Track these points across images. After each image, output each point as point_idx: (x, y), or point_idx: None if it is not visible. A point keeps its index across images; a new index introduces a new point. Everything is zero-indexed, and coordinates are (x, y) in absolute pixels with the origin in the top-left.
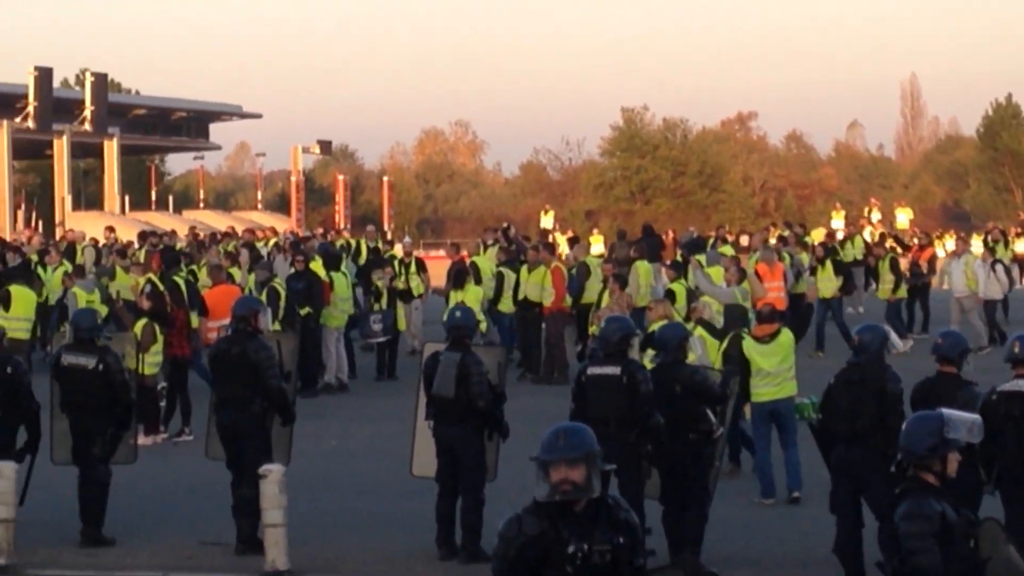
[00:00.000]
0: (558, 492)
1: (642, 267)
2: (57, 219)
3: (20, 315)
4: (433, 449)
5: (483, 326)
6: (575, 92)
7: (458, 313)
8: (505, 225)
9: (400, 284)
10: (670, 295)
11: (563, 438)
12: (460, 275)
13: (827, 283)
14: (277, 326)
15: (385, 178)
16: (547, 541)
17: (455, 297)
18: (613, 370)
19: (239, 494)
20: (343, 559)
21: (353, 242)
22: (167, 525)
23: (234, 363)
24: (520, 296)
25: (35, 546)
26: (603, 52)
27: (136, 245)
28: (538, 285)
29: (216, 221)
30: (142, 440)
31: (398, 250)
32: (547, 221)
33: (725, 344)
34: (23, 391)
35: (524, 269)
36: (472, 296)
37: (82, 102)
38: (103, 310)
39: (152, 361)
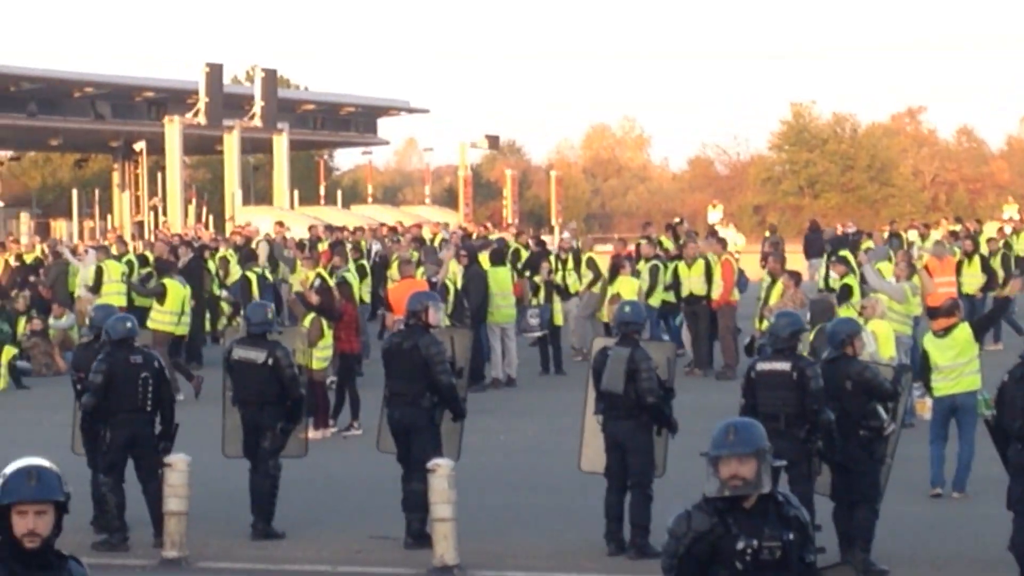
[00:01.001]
0: (728, 487)
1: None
2: (227, 214)
3: (171, 309)
4: (602, 444)
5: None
6: (743, 86)
7: (627, 308)
8: (677, 220)
9: (557, 279)
10: (846, 291)
11: (733, 433)
12: (615, 268)
13: (972, 279)
14: (447, 321)
15: (553, 173)
16: (717, 537)
17: (611, 290)
18: (783, 366)
19: (409, 488)
20: (512, 554)
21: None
22: (336, 519)
23: (405, 357)
24: (685, 291)
25: (207, 539)
26: (770, 46)
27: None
28: (700, 278)
29: (384, 216)
30: (312, 434)
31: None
32: (715, 216)
33: (811, 336)
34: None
35: (683, 264)
36: (628, 288)
37: (252, 98)
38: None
39: (321, 356)
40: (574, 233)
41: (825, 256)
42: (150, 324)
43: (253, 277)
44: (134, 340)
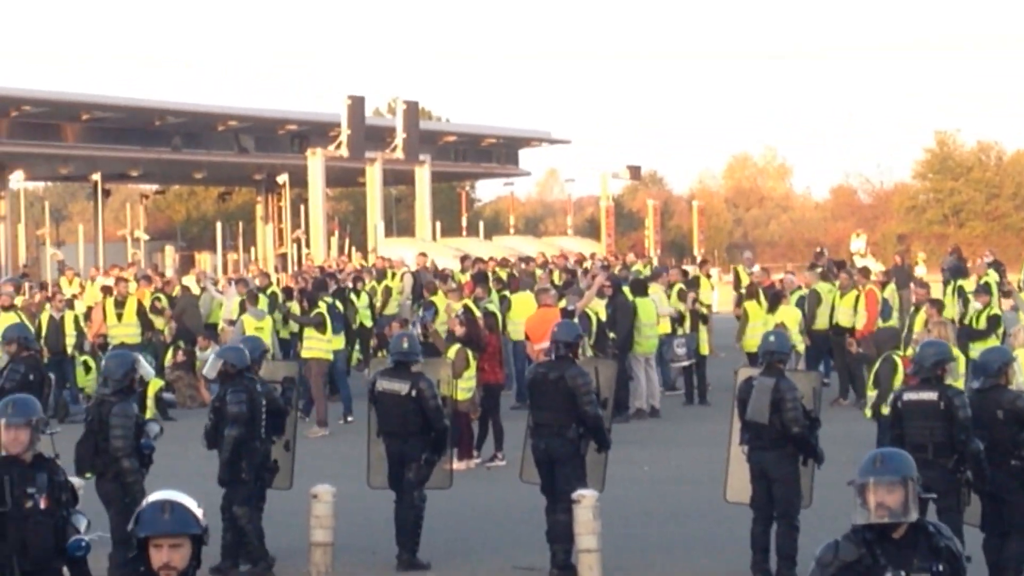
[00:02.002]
0: (875, 517)
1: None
2: (370, 246)
3: (329, 337)
4: (747, 475)
5: (800, 347)
6: (886, 115)
7: (772, 338)
8: (818, 249)
9: (703, 308)
10: (995, 320)
11: (880, 462)
12: (776, 297)
13: None
14: (590, 351)
15: (695, 203)
16: (864, 567)
17: (773, 319)
18: (930, 395)
19: (554, 519)
20: None
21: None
22: (481, 550)
23: (552, 388)
24: (833, 320)
25: (353, 570)
26: (914, 77)
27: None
28: (849, 309)
29: (527, 247)
30: (456, 465)
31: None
32: (858, 244)
33: (876, 367)
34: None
35: (836, 293)
36: (791, 318)
37: (394, 130)
38: (266, 337)
39: (465, 386)
40: (749, 262)
41: (952, 284)
42: (306, 353)
43: (323, 307)
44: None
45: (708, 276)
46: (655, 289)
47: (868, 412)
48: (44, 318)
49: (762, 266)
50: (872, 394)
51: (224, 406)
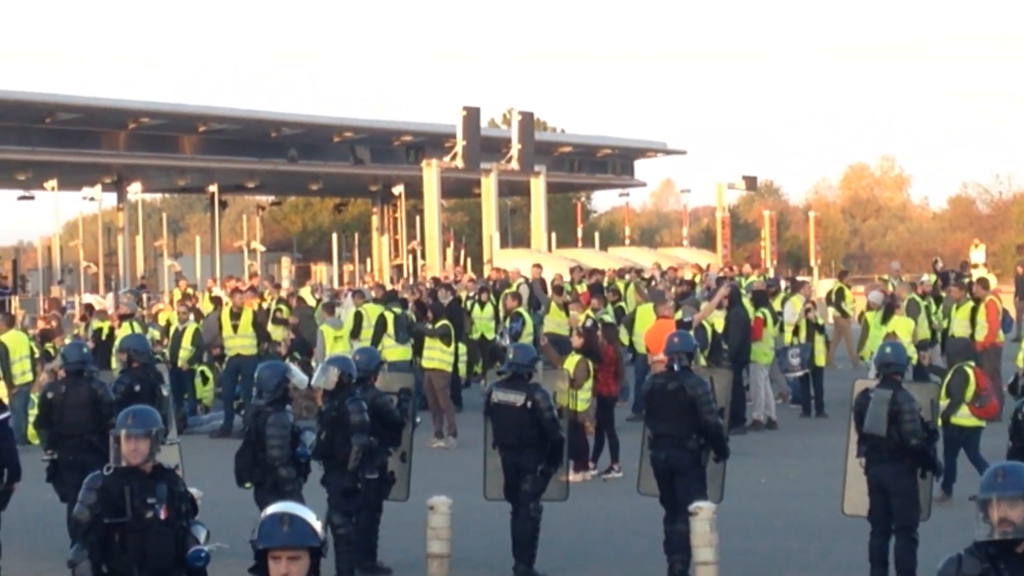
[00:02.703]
0: (997, 531)
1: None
2: (485, 257)
3: (452, 349)
4: (865, 488)
5: (914, 358)
6: (1004, 124)
7: (888, 349)
8: (935, 260)
9: (819, 319)
10: None
11: (1002, 476)
12: (889, 308)
13: None
14: (704, 361)
15: (811, 213)
16: None
17: (885, 329)
18: None
19: (672, 530)
20: None
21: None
22: (597, 562)
23: (670, 399)
24: (950, 332)
25: None
26: None
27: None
28: (964, 321)
29: (642, 258)
30: (572, 477)
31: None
32: (977, 255)
33: (948, 377)
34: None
35: (953, 306)
36: (903, 328)
37: (509, 141)
38: (346, 347)
39: (584, 397)
40: (895, 273)
41: None
42: (427, 364)
43: (390, 316)
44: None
45: (849, 287)
46: (795, 301)
47: (939, 421)
48: (170, 330)
49: (879, 277)
50: (943, 403)
51: (343, 416)
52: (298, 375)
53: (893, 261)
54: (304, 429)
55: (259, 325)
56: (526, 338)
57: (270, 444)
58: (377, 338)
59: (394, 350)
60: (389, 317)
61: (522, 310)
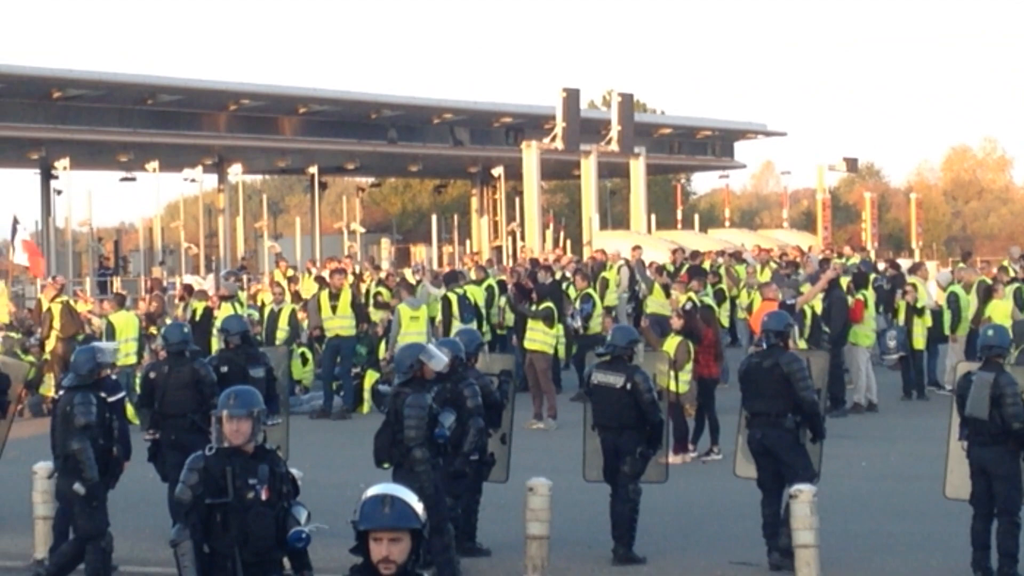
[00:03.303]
0: None
1: None
2: (584, 239)
3: (556, 332)
4: (967, 471)
5: None
6: None
7: (990, 332)
8: None
9: (919, 301)
10: None
11: None
12: (988, 291)
13: None
14: (803, 344)
15: (912, 195)
16: None
17: (984, 312)
18: None
19: (769, 513)
20: None
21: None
22: (697, 544)
23: (765, 376)
24: None
25: (568, 564)
26: None
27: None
28: None
29: (742, 239)
30: (672, 459)
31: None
32: None
33: (1013, 358)
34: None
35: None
36: (1000, 312)
37: (609, 123)
38: (422, 327)
39: (684, 379)
40: (1015, 257)
41: None
42: (529, 345)
43: (454, 298)
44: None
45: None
46: (917, 281)
47: None
48: (265, 311)
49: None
50: None
51: (458, 399)
52: (437, 355)
53: (1013, 246)
54: (443, 410)
55: (358, 306)
56: (595, 319)
57: (407, 424)
58: (446, 320)
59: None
60: (453, 298)
61: (592, 291)
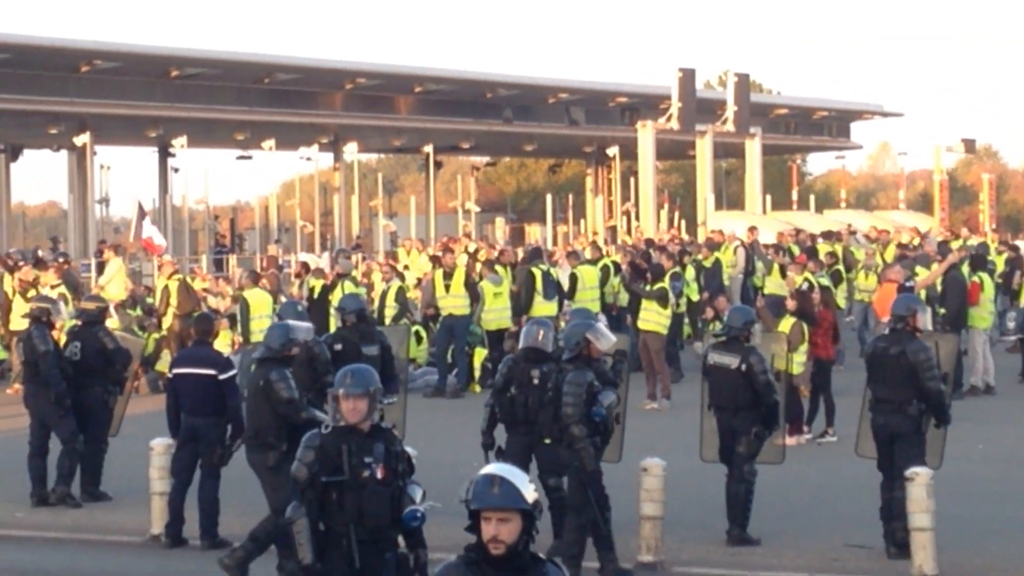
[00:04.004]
0: None
1: None
2: (699, 219)
3: (668, 312)
4: None
5: None
6: None
7: None
8: None
9: None
10: None
11: None
12: None
13: None
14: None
15: None
16: None
17: None
18: None
19: (890, 496)
20: (992, 567)
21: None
22: (812, 526)
23: (892, 363)
24: None
25: (682, 544)
26: None
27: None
28: None
29: (858, 220)
30: (787, 440)
31: None
32: None
33: None
34: None
35: None
36: None
37: (724, 103)
38: (505, 303)
39: (799, 360)
40: None
41: None
42: (643, 325)
43: (538, 273)
44: None
45: None
46: None
47: None
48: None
49: None
50: None
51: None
52: (605, 334)
53: None
54: (603, 389)
55: (471, 285)
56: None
57: (565, 401)
58: (528, 296)
59: (542, 306)
60: (537, 274)
61: (679, 270)
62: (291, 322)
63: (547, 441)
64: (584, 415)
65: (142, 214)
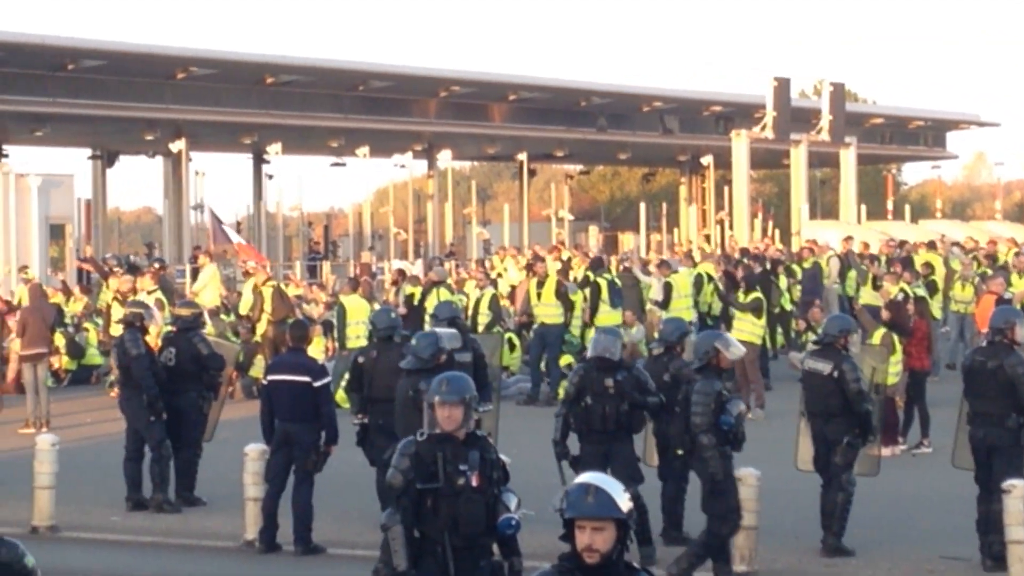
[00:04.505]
0: None
1: None
2: (793, 229)
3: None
4: None
5: None
6: None
7: None
8: None
9: None
10: None
11: None
12: None
13: None
14: None
15: None
16: None
17: None
18: None
19: (987, 509)
20: None
21: None
22: (907, 538)
23: (990, 376)
24: None
25: (776, 555)
26: None
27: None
28: None
29: (953, 231)
30: (883, 452)
31: None
32: None
33: None
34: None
35: None
36: None
37: (819, 112)
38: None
39: (893, 371)
40: None
41: None
42: (736, 335)
43: (603, 283)
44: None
45: None
46: None
47: None
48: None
49: None
50: None
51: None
52: (735, 344)
53: None
54: (731, 398)
55: (563, 294)
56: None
57: (693, 411)
58: (594, 305)
59: (607, 316)
60: (603, 283)
61: (904, 285)
62: (439, 330)
63: (679, 452)
64: (712, 424)
65: (217, 221)
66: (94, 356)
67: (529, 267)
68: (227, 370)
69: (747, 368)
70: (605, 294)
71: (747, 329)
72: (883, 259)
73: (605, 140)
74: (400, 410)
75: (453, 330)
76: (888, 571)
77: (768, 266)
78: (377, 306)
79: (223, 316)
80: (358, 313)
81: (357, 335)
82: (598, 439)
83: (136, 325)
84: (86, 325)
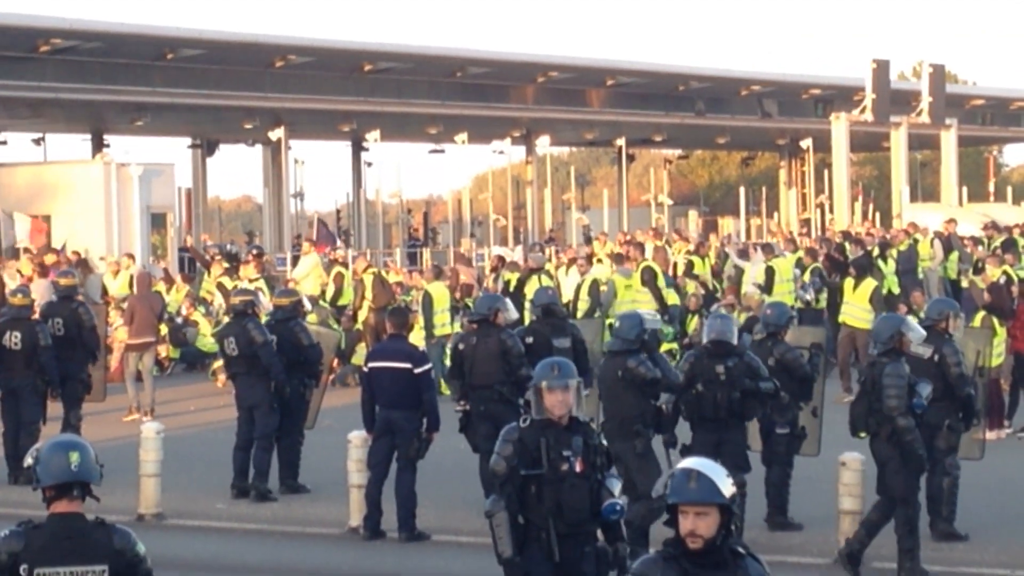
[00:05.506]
0: None
1: None
2: (894, 211)
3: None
4: None
5: None
6: None
7: None
8: None
9: None
10: None
11: None
12: None
13: None
14: None
15: None
16: None
17: None
18: None
19: None
20: None
21: None
22: (1015, 522)
23: None
24: None
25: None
26: None
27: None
28: None
29: None
30: (987, 435)
31: None
32: None
33: None
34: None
35: None
36: None
37: (919, 94)
38: (634, 296)
39: (997, 353)
40: None
41: None
42: (844, 318)
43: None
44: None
45: None
46: None
47: None
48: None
49: None
50: None
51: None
52: (916, 329)
53: None
54: (919, 381)
55: (648, 282)
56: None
57: (887, 394)
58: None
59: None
60: (657, 269)
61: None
62: (641, 311)
63: (862, 435)
64: (907, 406)
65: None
66: (208, 344)
67: (618, 256)
68: (328, 358)
69: (860, 353)
70: (661, 281)
71: (857, 314)
72: (987, 242)
73: (703, 124)
74: (607, 390)
75: (653, 312)
76: (996, 555)
77: (874, 250)
78: (480, 294)
79: (324, 304)
80: (443, 300)
81: (443, 322)
82: (711, 427)
83: (250, 312)
84: (194, 317)
